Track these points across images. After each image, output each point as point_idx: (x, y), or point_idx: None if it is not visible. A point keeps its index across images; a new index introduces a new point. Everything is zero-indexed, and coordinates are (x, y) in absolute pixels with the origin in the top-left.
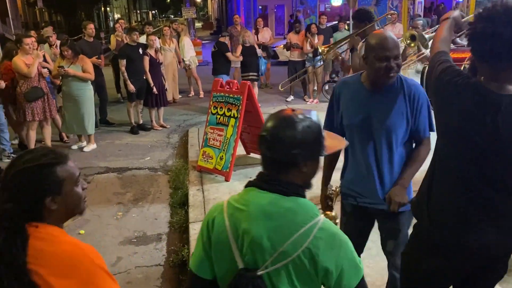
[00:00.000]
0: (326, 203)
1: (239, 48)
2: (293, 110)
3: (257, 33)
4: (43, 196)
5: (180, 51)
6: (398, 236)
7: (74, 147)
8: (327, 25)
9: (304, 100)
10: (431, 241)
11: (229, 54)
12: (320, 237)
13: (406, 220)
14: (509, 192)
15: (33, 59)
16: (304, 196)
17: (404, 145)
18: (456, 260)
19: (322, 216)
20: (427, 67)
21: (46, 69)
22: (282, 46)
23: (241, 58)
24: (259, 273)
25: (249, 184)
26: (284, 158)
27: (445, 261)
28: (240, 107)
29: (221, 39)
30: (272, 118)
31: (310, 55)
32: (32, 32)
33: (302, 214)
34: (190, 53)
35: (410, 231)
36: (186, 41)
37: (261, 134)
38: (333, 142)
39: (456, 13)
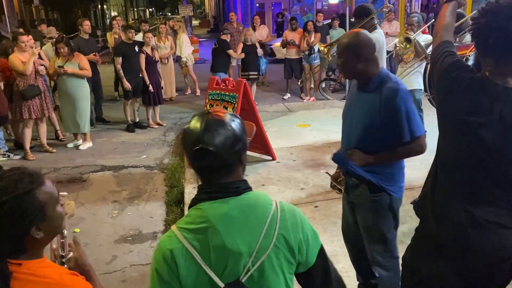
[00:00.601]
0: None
1: (240, 46)
2: (207, 112)
3: (254, 30)
4: (29, 227)
5: (177, 49)
6: (369, 228)
7: (70, 145)
8: (324, 23)
9: (301, 98)
10: (436, 242)
11: (231, 52)
12: (284, 218)
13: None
14: None
15: (29, 56)
16: (251, 188)
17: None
18: (462, 261)
19: (273, 199)
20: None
21: (42, 67)
22: (279, 43)
23: (242, 55)
24: (243, 279)
25: (194, 203)
26: (231, 159)
27: (451, 264)
28: (236, 105)
29: (223, 37)
30: (200, 127)
31: (307, 52)
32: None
33: (261, 206)
34: (187, 50)
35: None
36: (184, 38)
37: (199, 148)
38: (249, 127)
39: None
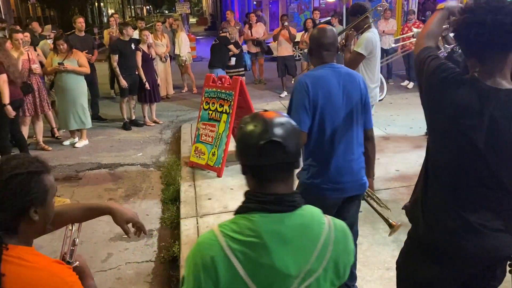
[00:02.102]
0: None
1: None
2: (263, 111)
3: (250, 28)
4: (29, 205)
5: (176, 47)
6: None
7: (66, 143)
8: (321, 21)
9: None
10: (428, 247)
11: (231, 47)
12: (337, 240)
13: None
14: (506, 191)
15: (17, 56)
16: (304, 201)
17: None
18: (456, 265)
19: (325, 216)
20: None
21: (37, 65)
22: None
23: (238, 51)
24: None
25: (244, 210)
26: (295, 157)
27: (443, 267)
28: (232, 102)
29: (222, 35)
30: (264, 123)
31: (306, 50)
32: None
33: (315, 225)
34: (186, 49)
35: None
36: (183, 36)
37: (269, 141)
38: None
39: (452, 2)
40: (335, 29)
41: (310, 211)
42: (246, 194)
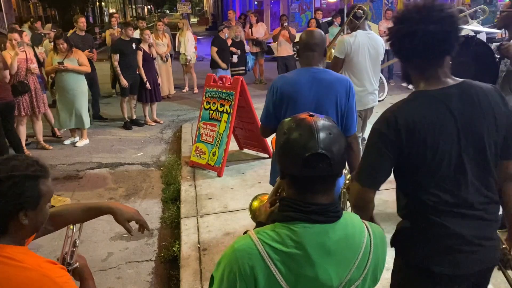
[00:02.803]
0: None
1: (228, 42)
2: (311, 115)
3: (251, 27)
4: (20, 208)
5: (182, 46)
6: None
7: (67, 142)
8: (323, 21)
9: None
10: (426, 272)
11: (233, 48)
12: (376, 250)
13: None
14: (487, 198)
15: (12, 56)
16: (342, 209)
17: None
18: (456, 283)
19: (364, 222)
20: None
21: (35, 65)
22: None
23: (239, 52)
24: None
25: (285, 219)
26: (340, 170)
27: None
28: (233, 102)
29: (221, 34)
30: (311, 131)
31: None
32: (16, 26)
33: (357, 235)
34: (192, 48)
35: None
36: (189, 36)
37: (315, 153)
38: None
39: None
40: (338, 30)
41: (351, 219)
42: (285, 201)
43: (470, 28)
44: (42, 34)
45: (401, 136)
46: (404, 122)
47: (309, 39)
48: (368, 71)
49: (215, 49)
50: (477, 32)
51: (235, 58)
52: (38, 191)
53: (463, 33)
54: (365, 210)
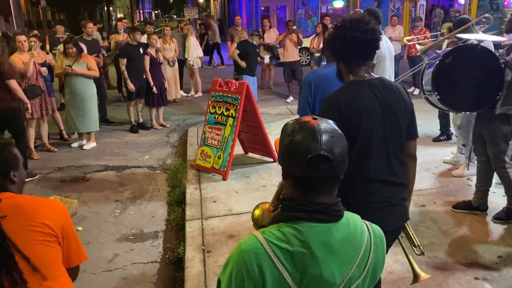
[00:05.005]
0: None
1: (234, 46)
2: (314, 118)
3: (263, 33)
4: (9, 169)
5: (186, 51)
6: None
7: (75, 145)
8: (329, 27)
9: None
10: None
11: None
12: (376, 248)
13: None
14: (401, 168)
15: (29, 57)
16: (344, 210)
17: None
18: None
19: (364, 222)
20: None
21: (44, 68)
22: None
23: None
24: None
25: (290, 219)
26: (342, 171)
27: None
28: (238, 106)
29: (250, 39)
30: (314, 133)
31: (317, 54)
32: (36, 32)
33: (358, 234)
34: (195, 53)
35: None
36: (192, 41)
37: (317, 155)
38: None
39: None
40: None
41: (353, 219)
42: (288, 201)
43: (474, 37)
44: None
45: (342, 112)
46: (344, 102)
47: None
48: (391, 76)
49: (237, 51)
50: (480, 41)
51: (266, 59)
52: (15, 154)
53: (467, 41)
54: None
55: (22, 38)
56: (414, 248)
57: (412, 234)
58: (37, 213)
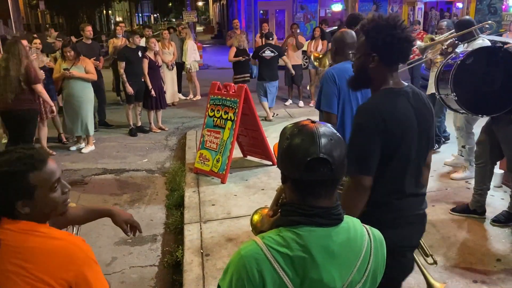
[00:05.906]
0: None
1: (233, 50)
2: (313, 121)
3: (261, 37)
4: (14, 199)
5: (183, 55)
6: None
7: (73, 148)
8: (328, 30)
9: (298, 105)
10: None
11: (284, 58)
12: (376, 252)
13: None
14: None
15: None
16: (343, 211)
17: None
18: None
19: (364, 226)
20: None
21: (42, 71)
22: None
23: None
24: None
25: (289, 223)
26: (341, 174)
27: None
28: (236, 110)
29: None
30: (312, 136)
31: (312, 57)
32: (35, 35)
33: (358, 238)
34: (192, 57)
35: None
36: (190, 44)
37: (316, 158)
38: None
39: None
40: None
41: (353, 223)
42: (288, 206)
43: (499, 39)
44: (52, 43)
45: (387, 125)
46: (388, 114)
47: (348, 39)
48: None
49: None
50: (505, 43)
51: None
52: (28, 184)
53: (490, 43)
54: (361, 201)
55: (24, 43)
56: (426, 258)
57: (424, 244)
58: (36, 264)
